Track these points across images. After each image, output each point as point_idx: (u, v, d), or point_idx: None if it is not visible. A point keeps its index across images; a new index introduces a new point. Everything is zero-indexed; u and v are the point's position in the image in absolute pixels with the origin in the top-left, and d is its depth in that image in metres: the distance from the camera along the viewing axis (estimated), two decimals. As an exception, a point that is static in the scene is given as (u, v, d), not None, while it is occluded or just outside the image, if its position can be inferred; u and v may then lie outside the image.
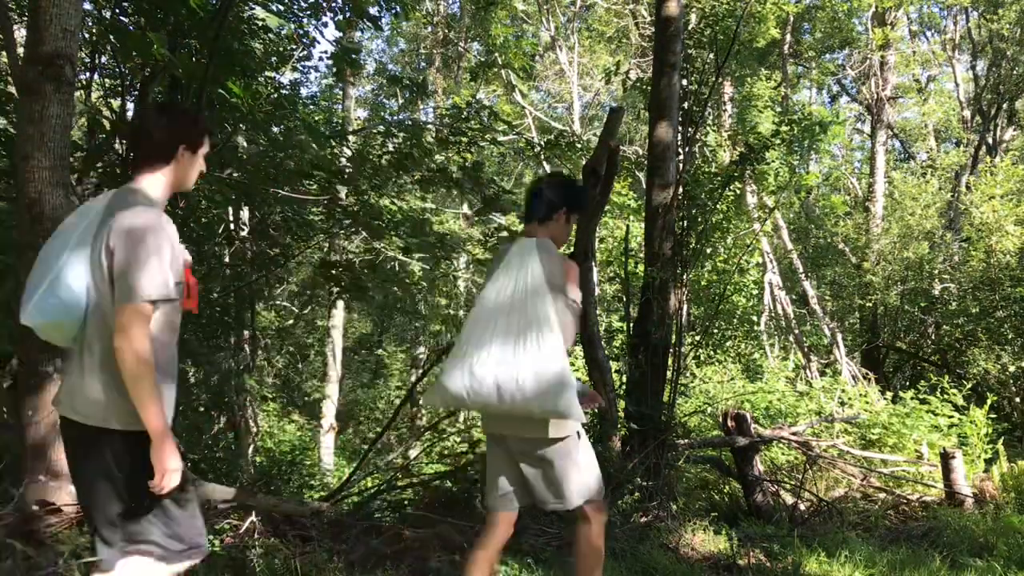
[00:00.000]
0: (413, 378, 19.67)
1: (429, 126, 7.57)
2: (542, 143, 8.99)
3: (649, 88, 7.76)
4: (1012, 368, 11.84)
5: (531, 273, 2.81)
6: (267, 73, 8.18)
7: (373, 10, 7.75)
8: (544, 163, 18.02)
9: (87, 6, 6.57)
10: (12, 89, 5.41)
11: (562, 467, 2.91)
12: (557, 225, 3.03)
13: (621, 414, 6.65)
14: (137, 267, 2.24)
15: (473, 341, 2.78)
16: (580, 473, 2.96)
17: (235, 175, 6.88)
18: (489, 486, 3.08)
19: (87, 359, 2.33)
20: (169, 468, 2.28)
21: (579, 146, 9.03)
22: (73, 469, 2.49)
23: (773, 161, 10.65)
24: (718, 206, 8.02)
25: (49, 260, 2.35)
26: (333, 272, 7.82)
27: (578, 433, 2.98)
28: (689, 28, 8.23)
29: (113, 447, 2.32)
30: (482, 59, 14.41)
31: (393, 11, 8.34)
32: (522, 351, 2.71)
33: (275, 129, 7.82)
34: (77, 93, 5.34)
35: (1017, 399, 11.92)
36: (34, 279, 2.35)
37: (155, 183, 2.47)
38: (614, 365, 6.95)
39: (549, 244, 2.96)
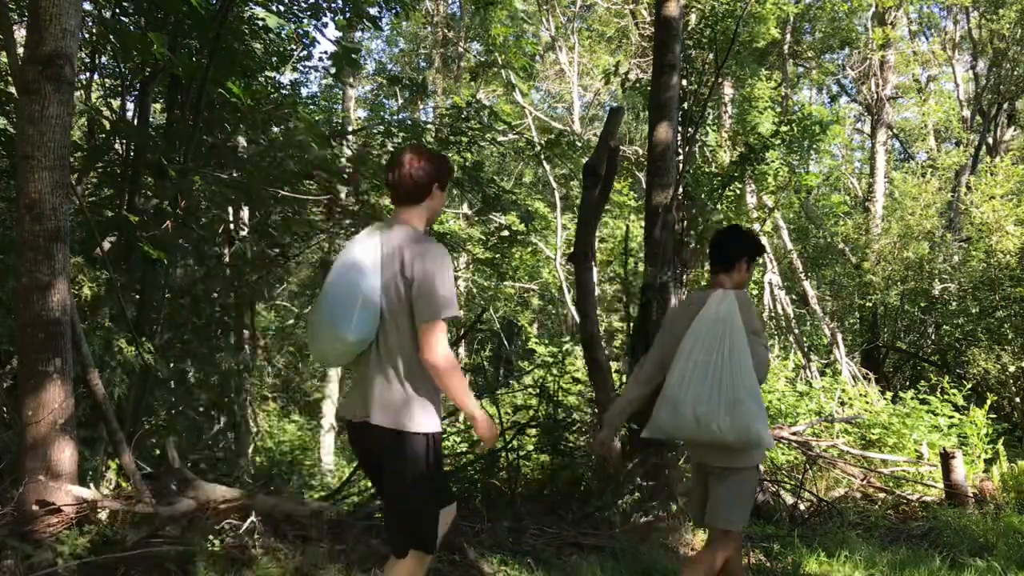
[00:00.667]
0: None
1: (429, 126, 7.57)
2: (542, 142, 8.99)
3: (649, 88, 7.76)
4: (1012, 368, 11.83)
5: (731, 321, 3.23)
6: (267, 73, 8.18)
7: (373, 10, 7.75)
8: (544, 163, 18.03)
9: (87, 6, 6.57)
10: (13, 89, 5.41)
11: (734, 491, 3.31)
12: (739, 272, 3.44)
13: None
14: (436, 290, 2.67)
15: (675, 382, 3.25)
16: (744, 502, 3.36)
17: (235, 174, 6.87)
18: (695, 506, 3.56)
19: (389, 371, 2.73)
20: (488, 436, 2.84)
21: (579, 145, 9.03)
22: (373, 469, 2.94)
23: (773, 162, 10.65)
24: (718, 206, 8.02)
25: (353, 285, 2.71)
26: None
27: (757, 467, 3.43)
28: (689, 28, 8.23)
29: (412, 447, 2.72)
30: (482, 59, 14.42)
31: (393, 11, 8.34)
32: (719, 389, 3.15)
33: (275, 129, 7.82)
34: (77, 93, 5.34)
35: (1017, 399, 11.92)
36: (341, 302, 2.71)
37: (417, 216, 2.88)
38: (614, 365, 6.95)
39: (743, 294, 3.39)
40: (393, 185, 2.87)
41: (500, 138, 10.48)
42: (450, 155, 7.77)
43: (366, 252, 2.78)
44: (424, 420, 2.73)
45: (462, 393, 2.73)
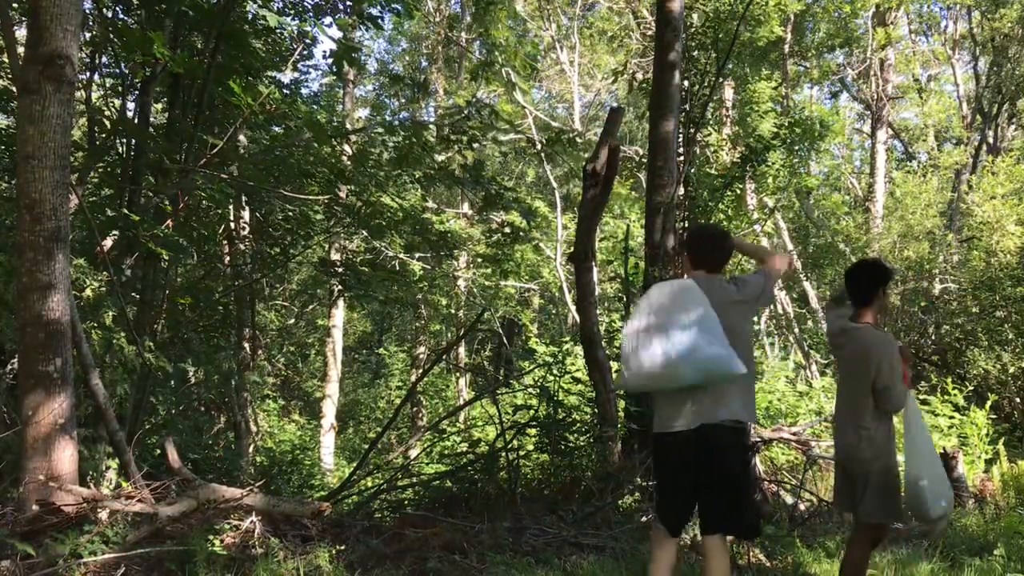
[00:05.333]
0: (413, 378, 19.66)
1: (431, 125, 7.58)
2: (543, 139, 9.01)
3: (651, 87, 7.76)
4: (1012, 368, 11.81)
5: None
6: (268, 73, 8.18)
7: (373, 10, 7.75)
8: (545, 163, 18.02)
9: (87, 5, 6.56)
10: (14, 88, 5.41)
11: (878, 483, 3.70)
12: (878, 302, 3.81)
13: (621, 414, 6.65)
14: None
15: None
16: (893, 494, 3.74)
17: (235, 173, 6.87)
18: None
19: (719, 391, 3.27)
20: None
21: (580, 142, 9.04)
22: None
23: (774, 163, 10.64)
24: (719, 206, 8.02)
25: (712, 323, 3.23)
26: (335, 269, 7.83)
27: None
28: (691, 30, 8.22)
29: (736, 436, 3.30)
30: (483, 59, 14.41)
31: (394, 10, 8.34)
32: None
33: (276, 129, 7.82)
34: (77, 93, 5.34)
35: (1017, 399, 11.90)
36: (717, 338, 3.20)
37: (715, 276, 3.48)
38: (614, 365, 6.94)
39: (887, 338, 3.78)
40: (699, 250, 3.53)
41: (501, 137, 10.47)
42: (451, 154, 7.79)
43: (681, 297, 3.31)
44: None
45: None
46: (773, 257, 3.65)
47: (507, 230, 9.58)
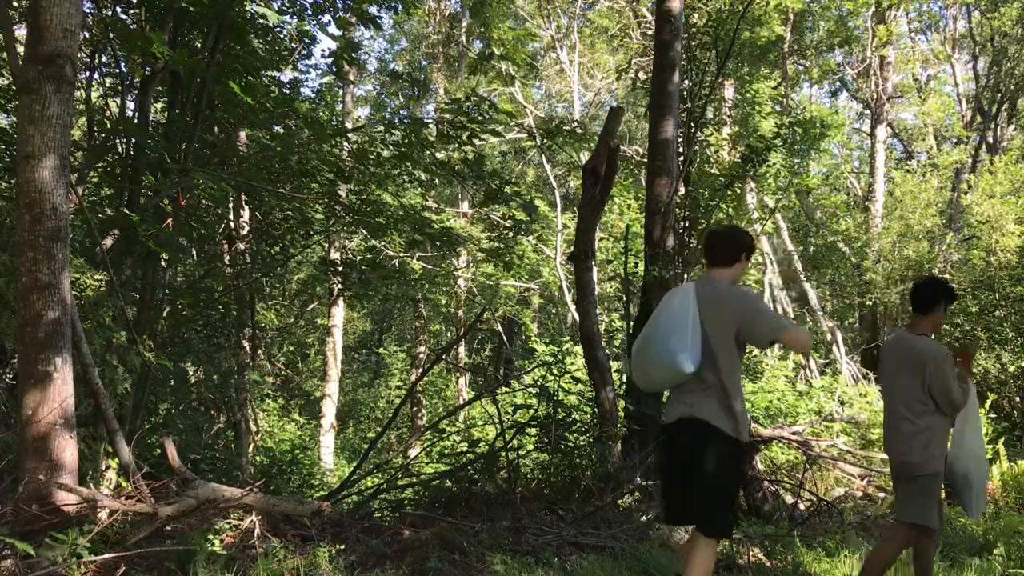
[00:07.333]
0: (413, 378, 19.66)
1: (429, 122, 7.58)
2: (543, 130, 9.02)
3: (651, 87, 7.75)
4: (1012, 367, 11.82)
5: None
6: (268, 72, 8.18)
7: (372, 8, 7.75)
8: (545, 162, 18.03)
9: (87, 5, 6.56)
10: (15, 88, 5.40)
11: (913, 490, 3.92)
12: (936, 314, 4.10)
13: (621, 414, 6.65)
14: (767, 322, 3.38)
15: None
16: (930, 501, 3.92)
17: (235, 172, 6.87)
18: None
19: (708, 387, 3.38)
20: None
21: (580, 132, 9.04)
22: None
23: (774, 163, 10.64)
24: (720, 205, 8.02)
25: (682, 324, 3.37)
26: (336, 268, 7.82)
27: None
28: (692, 29, 8.21)
29: (714, 439, 3.35)
30: (482, 53, 14.42)
31: (393, 9, 8.34)
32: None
33: (276, 129, 7.82)
34: (77, 93, 5.34)
35: (1017, 399, 11.91)
36: (679, 338, 3.34)
37: (726, 275, 3.56)
38: (614, 365, 6.94)
39: (940, 347, 3.97)
40: (711, 249, 3.62)
41: (501, 130, 10.47)
42: (451, 151, 7.79)
43: (684, 298, 3.46)
44: (730, 426, 3.37)
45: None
46: (790, 332, 3.52)
47: (508, 223, 9.63)
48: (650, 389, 3.81)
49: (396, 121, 7.32)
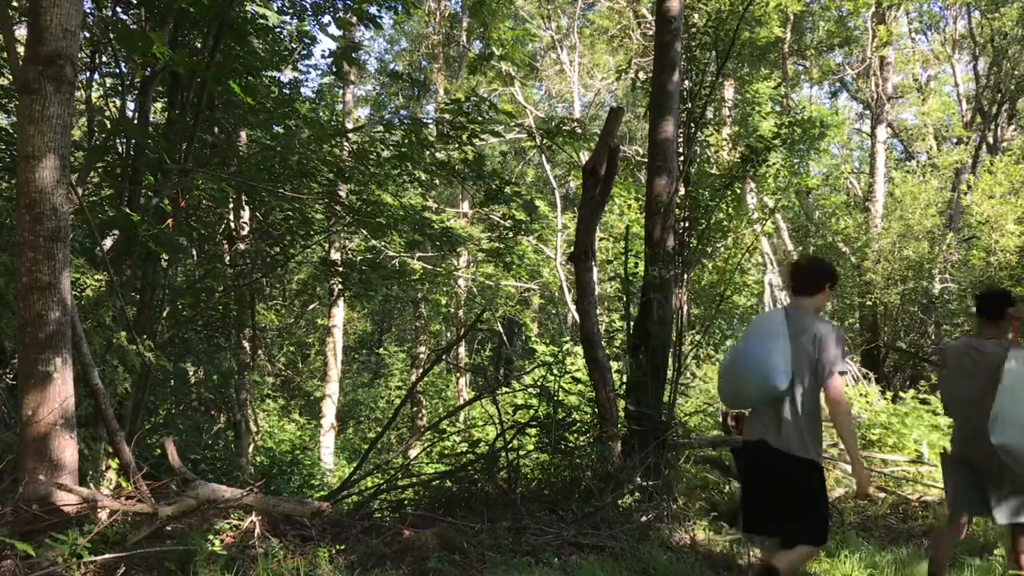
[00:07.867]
0: (413, 378, 19.66)
1: (429, 122, 7.59)
2: (543, 130, 9.02)
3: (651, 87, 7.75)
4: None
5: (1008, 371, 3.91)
6: (268, 72, 8.18)
7: (372, 8, 7.75)
8: (545, 161, 18.03)
9: (87, 5, 6.56)
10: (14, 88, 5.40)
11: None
12: (1005, 321, 4.14)
13: (621, 414, 6.64)
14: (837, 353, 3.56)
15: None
16: None
17: (234, 171, 6.87)
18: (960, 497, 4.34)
19: (792, 411, 3.58)
20: (863, 481, 3.62)
21: (579, 132, 9.05)
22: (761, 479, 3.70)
23: (774, 163, 10.64)
24: (720, 205, 8.01)
25: (776, 344, 3.59)
26: (336, 268, 7.81)
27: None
28: (692, 30, 8.21)
29: (798, 470, 3.57)
30: (481, 53, 14.42)
31: (392, 8, 8.34)
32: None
33: (276, 129, 7.82)
34: (77, 93, 5.34)
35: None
36: (774, 357, 3.58)
37: (811, 303, 3.75)
38: (614, 365, 6.94)
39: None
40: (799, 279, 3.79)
41: (500, 130, 10.48)
42: (451, 151, 7.79)
43: (774, 323, 3.68)
44: (809, 451, 3.58)
45: (848, 432, 3.62)
46: (844, 376, 3.76)
47: (508, 223, 9.64)
48: (738, 406, 4.00)
49: (396, 121, 7.33)
